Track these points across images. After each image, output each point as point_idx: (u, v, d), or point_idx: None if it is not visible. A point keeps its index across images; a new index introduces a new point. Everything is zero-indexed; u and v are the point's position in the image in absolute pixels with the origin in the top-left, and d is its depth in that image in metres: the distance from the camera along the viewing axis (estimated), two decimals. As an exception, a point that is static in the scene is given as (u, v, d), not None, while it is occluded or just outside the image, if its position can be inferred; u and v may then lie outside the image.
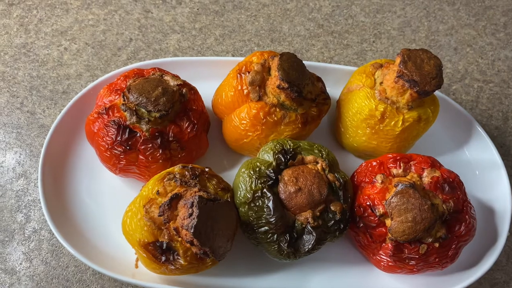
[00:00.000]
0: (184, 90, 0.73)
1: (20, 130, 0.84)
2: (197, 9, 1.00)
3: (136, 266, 0.69)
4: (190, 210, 0.57)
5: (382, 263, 0.66)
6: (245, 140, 0.74)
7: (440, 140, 0.85)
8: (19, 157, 0.82)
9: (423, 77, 0.70)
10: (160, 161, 0.69)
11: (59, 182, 0.76)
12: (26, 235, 0.75)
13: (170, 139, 0.70)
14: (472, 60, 0.98)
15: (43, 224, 0.76)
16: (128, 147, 0.68)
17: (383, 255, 0.65)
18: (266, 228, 0.63)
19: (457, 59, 0.98)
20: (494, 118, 0.92)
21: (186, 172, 0.64)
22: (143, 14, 0.99)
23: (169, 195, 0.61)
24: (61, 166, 0.77)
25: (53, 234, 0.75)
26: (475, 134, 0.83)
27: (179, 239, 0.59)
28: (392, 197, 0.62)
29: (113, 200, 0.75)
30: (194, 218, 0.56)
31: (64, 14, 0.98)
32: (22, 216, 0.76)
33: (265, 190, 0.64)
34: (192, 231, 0.56)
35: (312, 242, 0.63)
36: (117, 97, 0.70)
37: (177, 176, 0.63)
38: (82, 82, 0.90)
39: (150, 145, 0.68)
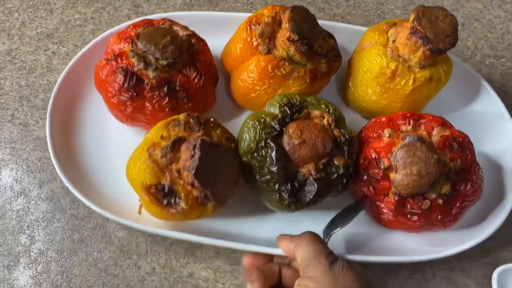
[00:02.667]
0: (193, 41, 0.72)
1: (13, 145, 0.78)
2: (189, 0, 0.95)
3: (139, 213, 0.70)
4: (192, 152, 0.57)
5: (383, 217, 0.65)
6: (252, 94, 0.74)
7: (451, 103, 0.83)
8: (16, 174, 0.76)
9: (437, 35, 0.68)
10: (166, 109, 0.69)
11: (67, 136, 0.75)
12: (32, 258, 0.70)
13: (177, 88, 0.69)
14: (481, 35, 0.95)
15: (49, 244, 0.71)
16: (135, 93, 0.68)
17: (385, 209, 0.64)
18: (268, 177, 0.63)
19: (466, 35, 0.95)
20: (509, 95, 0.88)
21: (191, 119, 0.64)
22: (133, 9, 0.94)
23: (173, 138, 0.61)
24: (69, 119, 0.76)
25: (61, 254, 0.71)
26: (484, 92, 0.82)
27: (181, 181, 0.59)
28: (399, 149, 0.61)
29: (120, 149, 0.75)
30: (195, 160, 0.56)
31: (48, 15, 0.91)
32: (26, 238, 0.71)
33: (269, 140, 0.63)
34: (193, 171, 0.56)
35: (313, 193, 0.62)
36: (126, 45, 0.70)
37: (182, 122, 0.63)
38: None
39: (157, 92, 0.68)
